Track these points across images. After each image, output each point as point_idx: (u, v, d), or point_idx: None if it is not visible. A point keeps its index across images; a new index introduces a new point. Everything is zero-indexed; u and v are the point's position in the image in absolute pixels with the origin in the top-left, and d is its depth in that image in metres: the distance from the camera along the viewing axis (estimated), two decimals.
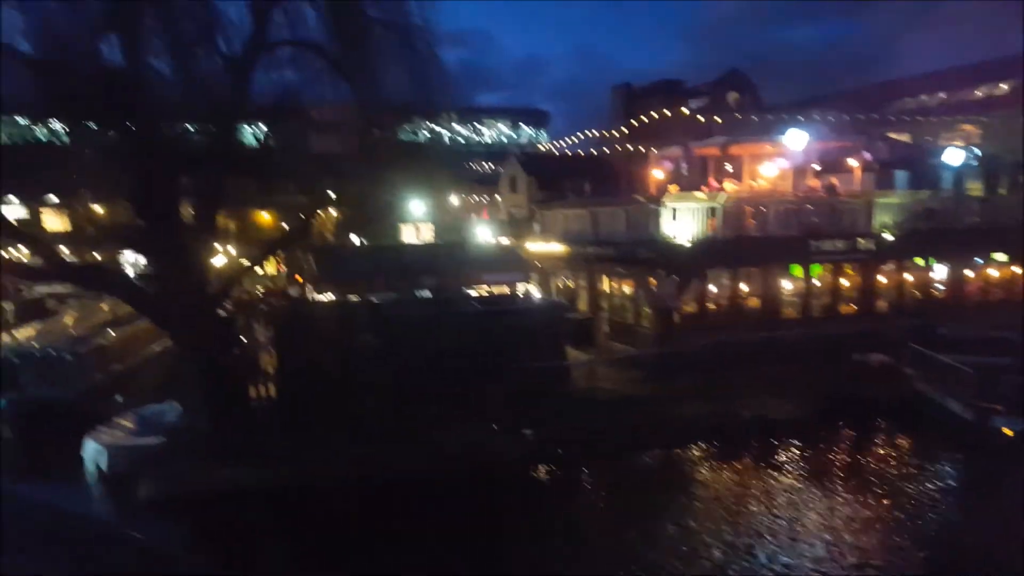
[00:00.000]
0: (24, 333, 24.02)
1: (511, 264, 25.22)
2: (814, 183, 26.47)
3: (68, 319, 26.73)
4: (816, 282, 24.43)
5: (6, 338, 22.74)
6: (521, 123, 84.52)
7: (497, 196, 47.80)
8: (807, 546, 12.44)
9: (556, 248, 29.00)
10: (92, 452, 15.29)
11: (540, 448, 16.49)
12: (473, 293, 22.22)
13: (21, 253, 23.79)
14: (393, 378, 15.97)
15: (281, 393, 16.54)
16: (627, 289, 24.53)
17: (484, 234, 33.37)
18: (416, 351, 16.88)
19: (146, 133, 13.16)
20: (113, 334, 22.55)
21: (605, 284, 25.93)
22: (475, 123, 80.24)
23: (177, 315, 14.06)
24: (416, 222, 36.76)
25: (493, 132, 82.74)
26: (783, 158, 26.63)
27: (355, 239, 33.78)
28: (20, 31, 13.33)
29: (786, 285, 24.30)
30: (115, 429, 16.45)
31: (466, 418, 16.48)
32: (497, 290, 23.58)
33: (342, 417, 15.61)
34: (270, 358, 18.47)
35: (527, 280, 25.04)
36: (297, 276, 25.45)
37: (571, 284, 28.56)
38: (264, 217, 51.00)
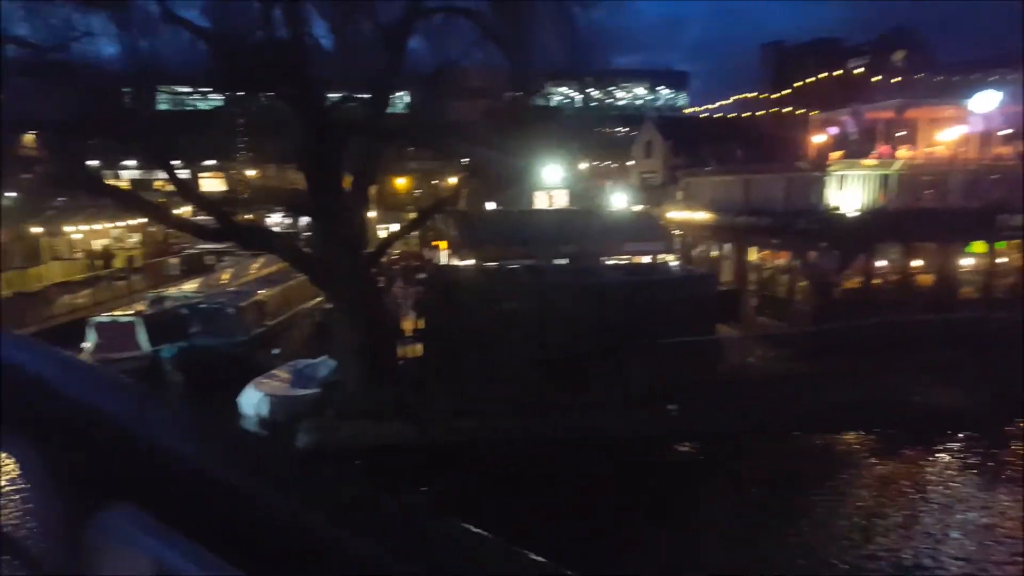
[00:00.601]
0: (188, 286, 25.92)
1: (650, 232, 24.18)
2: (1004, 150, 23.43)
3: (224, 275, 28.62)
4: (1002, 260, 21.74)
5: (173, 290, 24.61)
6: (658, 86, 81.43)
7: (630, 162, 46.36)
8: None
9: (699, 216, 27.56)
10: (253, 399, 16.13)
11: (685, 426, 15.74)
12: (610, 262, 21.50)
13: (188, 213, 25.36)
14: (535, 345, 15.67)
15: (426, 354, 16.70)
16: (780, 261, 22.88)
17: (618, 201, 32.31)
18: (557, 319, 16.48)
19: (315, 101, 13.49)
20: (268, 291, 23.81)
21: (753, 255, 24.35)
22: (611, 86, 78.14)
23: (335, 275, 14.37)
24: (550, 188, 36.20)
25: (627, 95, 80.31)
26: (966, 122, 23.70)
27: (490, 205, 33.82)
28: (198, 7, 14.02)
29: (965, 262, 21.80)
30: (273, 380, 17.30)
31: (608, 390, 15.97)
32: (635, 259, 22.72)
33: (485, 380, 15.56)
34: (411, 319, 18.74)
35: (667, 250, 23.96)
36: (436, 241, 25.71)
37: (714, 254, 27.11)
38: (399, 183, 52.38)
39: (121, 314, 20.46)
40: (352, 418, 15.02)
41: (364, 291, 15.00)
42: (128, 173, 53.93)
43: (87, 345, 19.76)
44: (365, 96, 14.76)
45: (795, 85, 38.94)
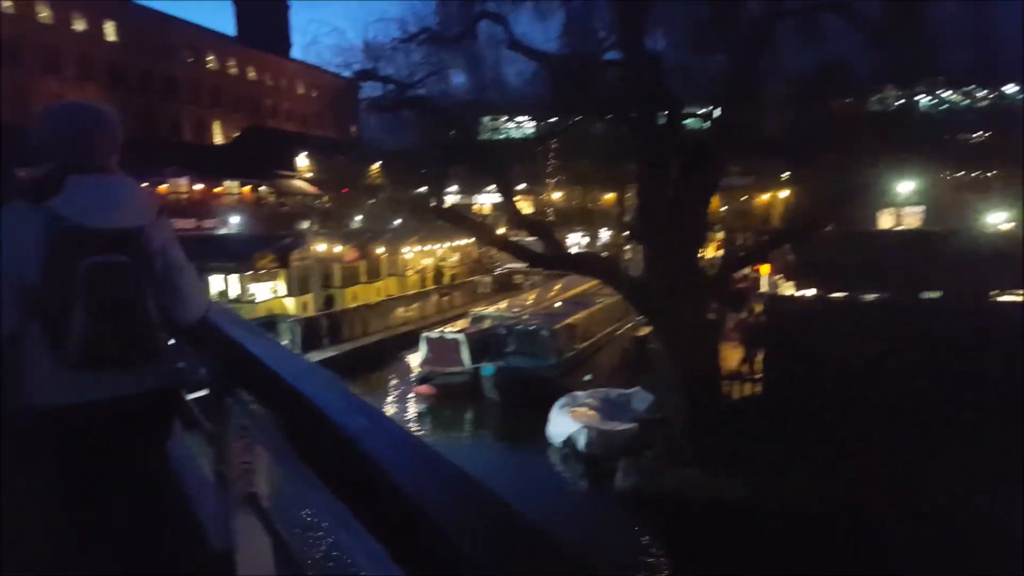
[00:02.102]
0: (501, 305, 26.79)
1: None
2: None
3: (530, 296, 29.20)
4: None
5: (491, 309, 25.53)
6: None
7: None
8: None
9: None
10: (566, 427, 15.47)
11: None
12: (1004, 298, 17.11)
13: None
14: (911, 400, 12.65)
15: (764, 398, 14.57)
16: None
17: (995, 219, 26.41)
18: (939, 370, 13.20)
19: (671, 120, 12.55)
20: (579, 314, 23.51)
21: None
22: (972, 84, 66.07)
23: (667, 305, 13.06)
24: (898, 205, 31.20)
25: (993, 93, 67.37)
26: None
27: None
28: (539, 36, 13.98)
29: None
30: (586, 407, 16.53)
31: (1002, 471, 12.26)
32: None
33: (841, 439, 12.94)
34: (740, 354, 16.72)
35: None
36: (760, 266, 23.28)
37: None
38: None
39: (448, 330, 21.58)
40: (677, 464, 13.50)
41: (699, 323, 13.45)
42: (449, 198, 59.35)
43: (419, 357, 21.13)
44: (710, 110, 13.32)
45: None
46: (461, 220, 15.27)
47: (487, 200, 55.18)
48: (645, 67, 13.17)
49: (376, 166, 59.18)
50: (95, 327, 1.82)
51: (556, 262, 14.99)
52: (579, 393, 16.83)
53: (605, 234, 44.07)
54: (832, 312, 16.29)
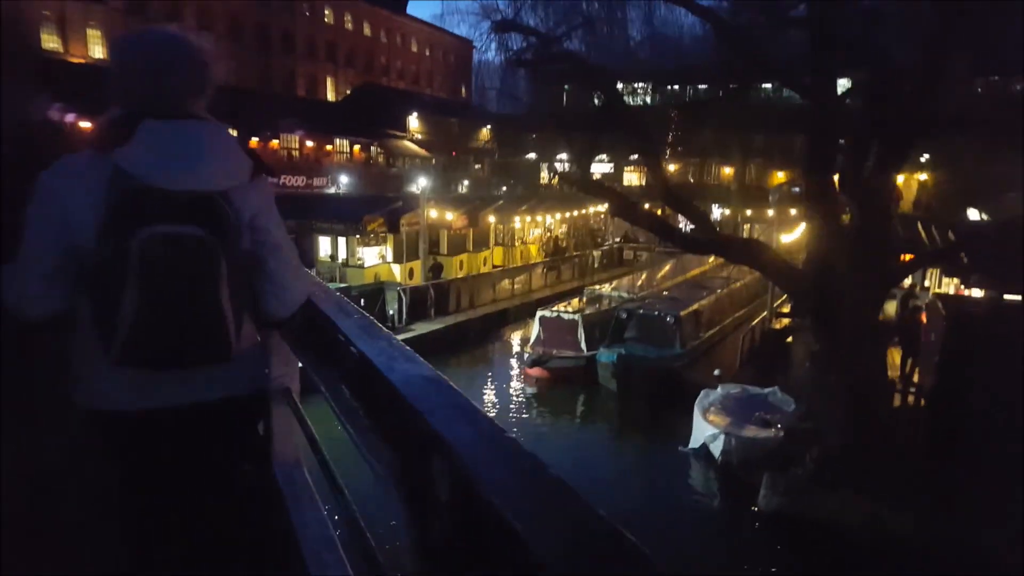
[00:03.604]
0: (614, 284, 25.22)
1: None
2: None
3: (642, 275, 27.40)
4: None
5: (607, 288, 24.01)
6: None
7: None
8: None
9: None
10: (700, 429, 13.92)
11: None
12: None
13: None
14: None
15: (935, 414, 12.52)
16: None
17: None
18: None
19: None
20: (706, 299, 21.67)
21: None
22: None
23: (833, 303, 11.22)
24: None
25: None
26: None
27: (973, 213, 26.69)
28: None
29: None
30: (718, 407, 14.88)
31: None
32: None
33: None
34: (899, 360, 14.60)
35: None
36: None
37: None
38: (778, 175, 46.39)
39: (564, 310, 20.27)
40: (832, 485, 11.74)
41: (873, 325, 11.54)
42: (559, 167, 57.70)
43: (532, 336, 19.96)
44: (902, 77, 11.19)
45: None
46: (609, 194, 13.66)
47: (597, 170, 53.34)
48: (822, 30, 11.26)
49: (487, 130, 58.31)
50: (148, 318, 1.42)
51: (708, 246, 13.29)
52: (713, 390, 15.13)
53: (716, 212, 41.35)
54: (1017, 318, 13.86)
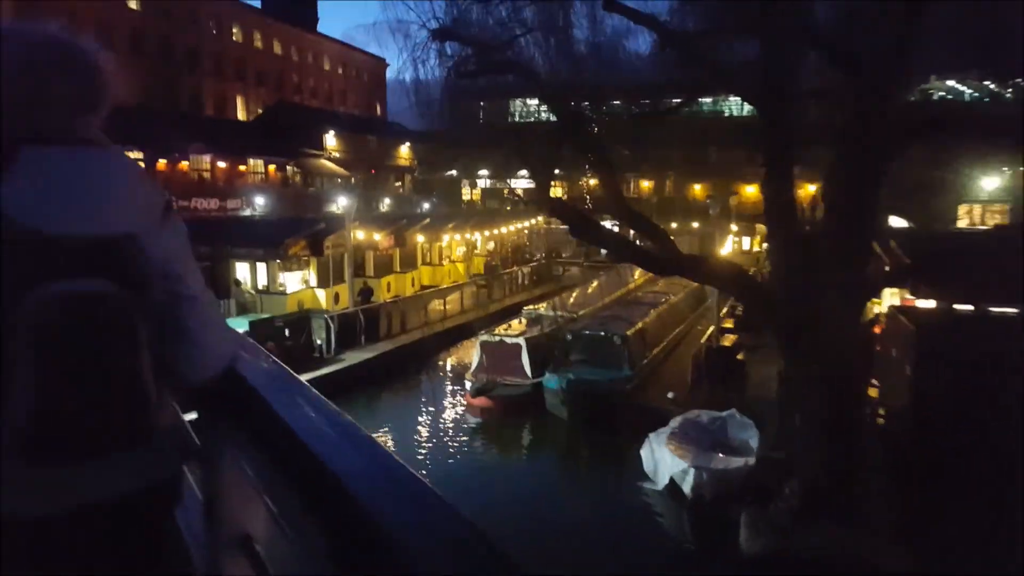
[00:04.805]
0: (552, 302, 24.28)
1: None
2: None
3: (572, 293, 26.58)
4: None
5: (544, 307, 23.01)
6: None
7: None
8: None
9: None
10: (669, 465, 12.90)
11: None
12: None
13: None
14: None
15: (914, 437, 11.93)
16: None
17: None
18: None
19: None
20: (649, 316, 20.92)
21: None
22: None
23: (810, 320, 10.46)
24: (984, 202, 28.49)
25: None
26: None
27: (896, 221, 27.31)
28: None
29: None
30: (680, 437, 13.91)
31: None
32: None
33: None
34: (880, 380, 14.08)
35: None
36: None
37: None
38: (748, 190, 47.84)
39: (506, 333, 19.05)
40: (818, 520, 10.90)
41: (855, 342, 10.85)
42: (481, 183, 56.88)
43: (473, 363, 18.64)
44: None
45: None
46: (571, 213, 12.50)
47: (519, 185, 52.80)
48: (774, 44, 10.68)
49: (406, 148, 56.62)
50: (49, 400, 1.15)
51: (674, 267, 12.34)
52: (673, 422, 14.13)
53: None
54: (983, 330, 13.59)
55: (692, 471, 12.24)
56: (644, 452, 13.59)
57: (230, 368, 1.47)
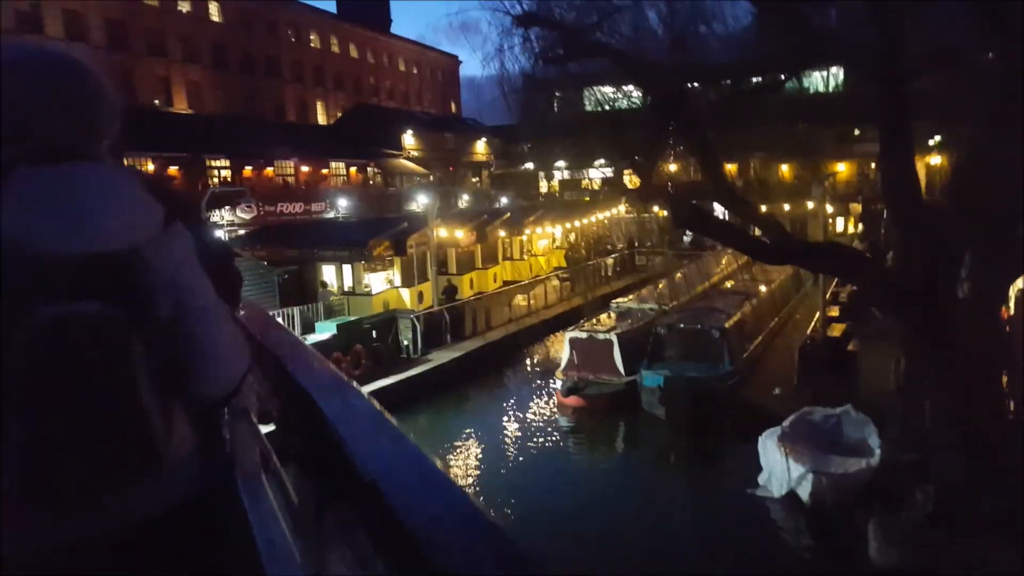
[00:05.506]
0: (639, 294, 23.41)
1: None
2: None
3: (661, 284, 25.45)
4: None
5: (631, 300, 22.20)
6: None
7: None
8: None
9: None
10: (780, 467, 11.98)
11: None
12: None
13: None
14: None
15: None
16: None
17: None
18: None
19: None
20: (746, 308, 19.83)
21: None
22: None
23: (947, 313, 9.39)
24: None
25: None
26: None
27: None
28: None
29: None
30: (792, 438, 12.90)
31: None
32: None
33: None
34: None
35: None
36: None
37: None
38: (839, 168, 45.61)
39: (595, 328, 18.40)
40: (955, 530, 9.83)
41: (990, 331, 9.70)
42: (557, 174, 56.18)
43: (563, 360, 18.10)
44: None
45: None
46: (676, 202, 11.75)
47: (596, 175, 51.76)
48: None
49: (482, 143, 56.61)
50: (45, 437, 1.12)
51: (795, 255, 11.42)
52: (788, 422, 13.11)
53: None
54: None
55: (811, 476, 11.31)
56: (760, 453, 12.65)
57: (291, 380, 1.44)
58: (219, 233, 22.97)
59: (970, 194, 9.17)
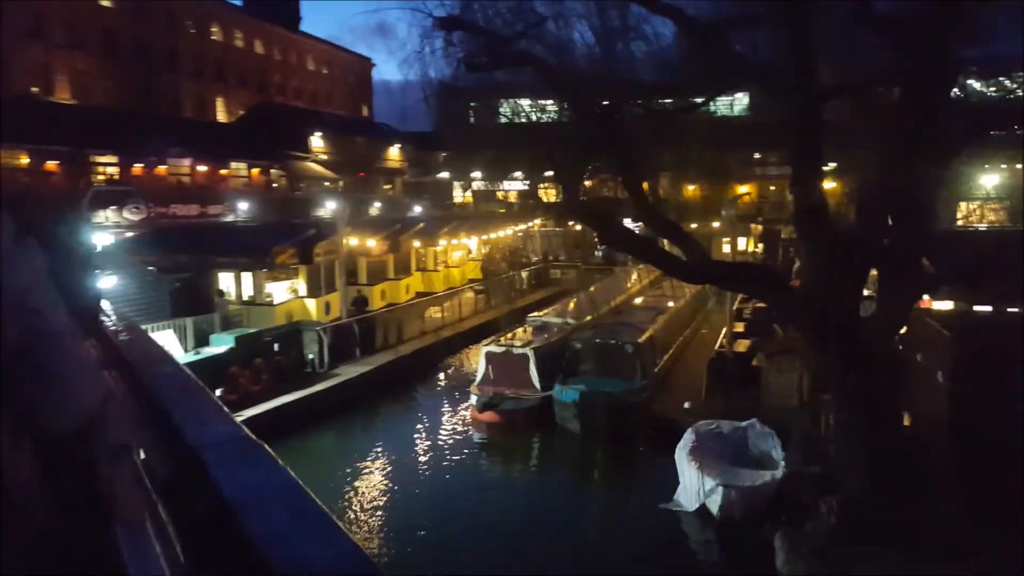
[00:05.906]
0: (549, 310, 23.39)
1: None
2: None
3: (571, 301, 25.62)
4: None
5: (549, 314, 22.16)
6: None
7: None
8: None
9: None
10: (696, 484, 12.12)
11: None
12: None
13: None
14: None
15: (956, 450, 11.27)
16: None
17: None
18: None
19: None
20: (658, 323, 20.18)
21: None
22: None
23: (837, 322, 9.76)
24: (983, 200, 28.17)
25: None
26: None
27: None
28: None
29: None
30: (701, 451, 13.12)
31: None
32: None
33: None
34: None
35: None
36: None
37: None
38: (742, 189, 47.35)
39: (511, 343, 18.21)
40: (857, 539, 10.21)
41: (892, 349, 10.18)
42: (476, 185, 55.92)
43: (478, 375, 17.79)
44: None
45: None
46: (601, 221, 11.66)
47: (513, 187, 51.90)
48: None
49: (395, 150, 55.61)
50: None
51: (710, 274, 11.59)
52: (691, 433, 13.34)
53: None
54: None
55: (720, 489, 11.49)
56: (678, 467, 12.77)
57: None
58: (104, 236, 21.27)
59: (875, 217, 9.58)
